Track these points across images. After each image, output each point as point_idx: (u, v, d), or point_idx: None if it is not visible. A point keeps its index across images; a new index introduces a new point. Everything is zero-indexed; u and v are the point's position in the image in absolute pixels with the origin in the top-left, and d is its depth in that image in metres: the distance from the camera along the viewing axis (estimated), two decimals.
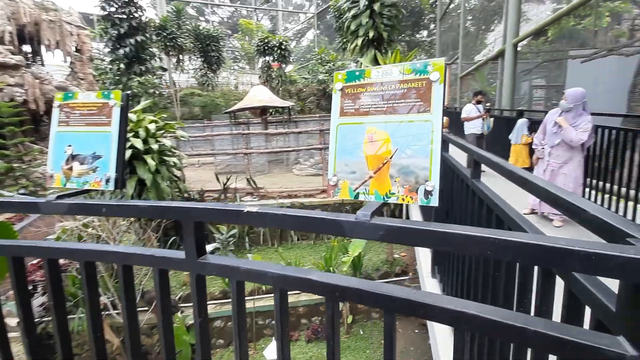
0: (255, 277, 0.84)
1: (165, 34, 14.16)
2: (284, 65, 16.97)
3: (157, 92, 11.66)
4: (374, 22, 5.40)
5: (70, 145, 1.07)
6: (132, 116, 4.55)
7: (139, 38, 11.80)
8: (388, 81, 0.77)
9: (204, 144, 12.97)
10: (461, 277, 1.85)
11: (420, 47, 22.14)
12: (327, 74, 15.96)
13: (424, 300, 0.64)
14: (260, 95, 10.23)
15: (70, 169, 1.05)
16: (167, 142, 4.90)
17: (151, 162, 4.45)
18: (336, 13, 16.61)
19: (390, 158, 0.74)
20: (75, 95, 1.08)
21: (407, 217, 6.83)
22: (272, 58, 16.59)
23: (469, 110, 5.70)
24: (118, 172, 1.01)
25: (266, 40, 16.19)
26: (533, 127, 5.99)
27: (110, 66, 12.38)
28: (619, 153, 3.90)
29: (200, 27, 16.37)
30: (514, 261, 0.63)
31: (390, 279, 5.45)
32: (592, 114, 3.56)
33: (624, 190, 3.73)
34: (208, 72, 16.82)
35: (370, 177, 0.77)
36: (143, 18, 12.20)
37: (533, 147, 3.87)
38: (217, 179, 7.10)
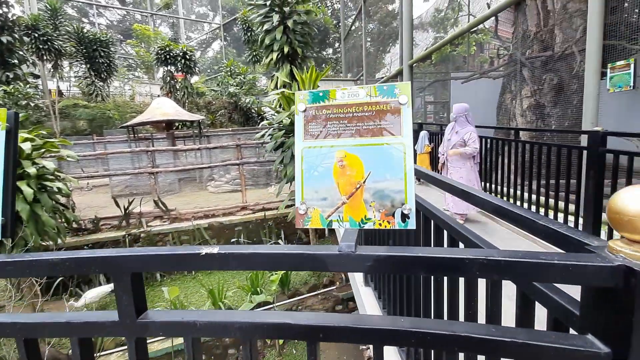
0: (217, 330, 0.70)
1: (37, 35, 11.91)
2: (189, 76, 15.96)
3: (31, 103, 9.56)
4: (288, 38, 5.50)
5: None
6: None
7: (4, 39, 9.54)
8: (355, 103, 0.75)
9: (95, 163, 11.24)
10: (396, 283, 1.93)
11: (327, 63, 23.45)
12: (237, 87, 15.58)
13: (421, 328, 0.62)
14: (164, 108, 9.35)
15: None
16: (49, 164, 4.04)
17: (27, 190, 3.59)
18: (244, 26, 16.47)
19: (364, 182, 0.73)
20: None
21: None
22: (175, 68, 15.45)
23: None
24: (6, 216, 0.77)
25: (167, 49, 15.01)
26: (432, 137, 6.87)
27: None
28: (494, 158, 4.85)
29: (85, 30, 14.27)
30: (497, 278, 0.65)
31: (318, 291, 5.47)
32: (476, 126, 4.28)
33: (499, 188, 4.60)
34: (96, 80, 14.71)
35: (344, 203, 0.74)
36: (9, 15, 9.92)
37: (439, 155, 4.42)
38: (117, 204, 6.18)
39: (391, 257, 0.60)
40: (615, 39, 5.93)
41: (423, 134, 6.29)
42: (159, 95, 20.44)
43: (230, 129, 15.01)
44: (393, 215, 0.71)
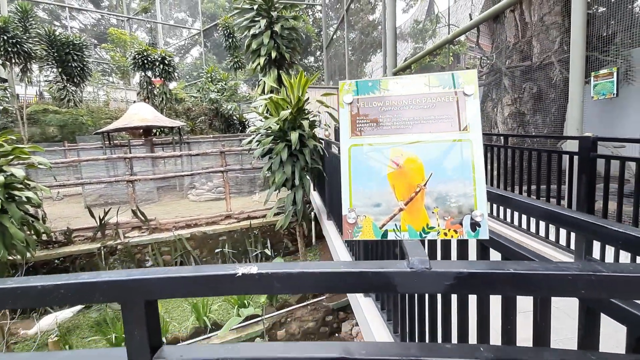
0: None
1: (5, 37, 11.26)
2: (167, 82, 15.53)
3: (8, 106, 8.85)
4: (275, 43, 5.40)
5: None
6: None
7: None
8: (412, 94, 0.65)
9: (66, 172, 10.65)
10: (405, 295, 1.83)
11: (309, 71, 23.57)
12: (219, 93, 15.29)
13: None
14: (142, 114, 8.99)
15: None
16: (18, 171, 3.71)
17: None
18: (226, 32, 16.29)
19: (425, 185, 0.62)
20: None
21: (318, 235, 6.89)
22: (153, 73, 15.01)
23: None
24: None
25: (145, 54, 14.58)
26: None
27: None
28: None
29: (57, 33, 13.65)
30: (605, 297, 0.56)
31: (308, 302, 5.30)
32: None
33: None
34: (68, 85, 14.04)
35: (401, 210, 0.62)
36: None
37: None
38: (91, 214, 5.80)
39: (480, 274, 0.50)
40: (588, 50, 6.20)
41: None
42: (134, 101, 19.80)
43: (212, 135, 14.67)
44: (461, 223, 0.61)
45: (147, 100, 14.69)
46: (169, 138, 12.53)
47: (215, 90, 15.36)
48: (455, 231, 0.61)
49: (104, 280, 0.54)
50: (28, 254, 3.82)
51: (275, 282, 0.54)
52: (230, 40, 16.63)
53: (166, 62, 14.92)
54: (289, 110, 4.56)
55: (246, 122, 16.26)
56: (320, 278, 0.54)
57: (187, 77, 26.90)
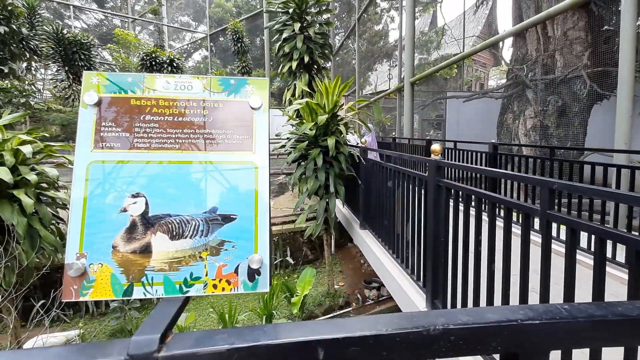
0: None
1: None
2: None
3: (30, 101, 8.54)
4: (309, 47, 5.32)
5: None
6: None
7: (1, 29, 8.58)
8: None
9: (69, 172, 10.50)
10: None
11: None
12: None
13: None
14: None
15: None
16: (51, 170, 3.52)
17: (27, 201, 3.07)
18: (235, 36, 16.26)
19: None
20: None
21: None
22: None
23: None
24: None
25: (153, 55, 14.46)
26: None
27: None
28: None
29: (64, 31, 13.46)
30: None
31: (335, 313, 5.13)
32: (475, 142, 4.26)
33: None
34: (74, 84, 13.81)
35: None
36: (4, 2, 8.94)
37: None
38: None
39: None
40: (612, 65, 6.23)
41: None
42: None
43: None
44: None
45: None
46: None
47: None
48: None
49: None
50: (56, 259, 3.61)
51: None
52: (239, 45, 16.59)
53: (174, 64, 14.82)
54: (326, 116, 4.45)
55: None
56: None
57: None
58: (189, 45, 31.45)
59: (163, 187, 0.41)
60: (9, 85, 8.14)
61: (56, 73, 14.36)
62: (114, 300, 4.73)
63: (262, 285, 0.43)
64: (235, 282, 0.43)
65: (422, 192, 2.74)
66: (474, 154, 5.33)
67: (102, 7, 28.27)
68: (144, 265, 0.40)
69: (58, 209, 3.77)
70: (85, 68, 14.15)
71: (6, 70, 8.81)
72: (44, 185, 3.78)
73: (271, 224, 6.83)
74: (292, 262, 6.19)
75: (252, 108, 0.47)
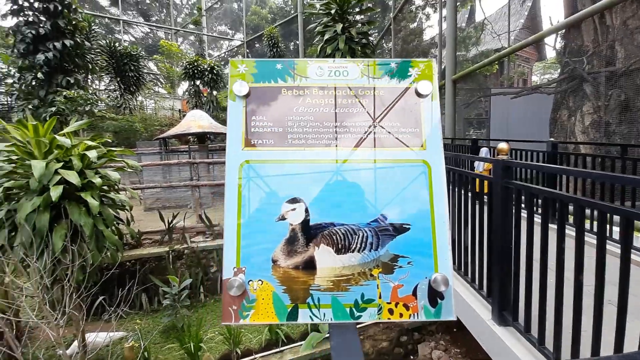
0: None
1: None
2: (215, 92, 16.01)
3: (95, 109, 9.39)
4: (350, 47, 5.28)
5: None
6: (64, 140, 3.36)
7: (67, 42, 9.50)
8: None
9: (127, 176, 11.17)
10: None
11: None
12: None
13: None
14: (200, 121, 9.19)
15: None
16: (113, 174, 3.75)
17: (93, 203, 3.28)
18: (270, 42, 16.62)
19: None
20: None
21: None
22: (202, 82, 15.55)
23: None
24: None
25: (196, 64, 15.15)
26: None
27: (19, 75, 9.62)
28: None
29: (116, 44, 14.48)
30: None
31: (380, 320, 4.98)
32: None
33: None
34: (125, 93, 14.80)
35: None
36: (70, 17, 9.88)
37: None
38: (161, 218, 5.87)
39: None
40: None
41: (485, 151, 5.90)
42: (179, 110, 20.58)
43: None
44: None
45: (195, 107, 15.18)
46: (219, 145, 12.78)
47: None
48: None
49: None
50: (117, 258, 3.83)
51: None
52: (274, 50, 16.93)
53: (214, 71, 15.40)
54: None
55: None
56: None
57: (226, 87, 27.75)
58: (226, 53, 32.67)
59: (323, 191, 0.36)
60: (76, 95, 8.88)
61: (109, 83, 15.48)
62: (166, 297, 4.93)
63: (446, 312, 0.37)
64: (415, 306, 0.37)
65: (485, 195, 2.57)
66: (529, 153, 4.98)
67: (147, 21, 30.16)
68: (309, 284, 0.35)
69: (118, 210, 3.99)
70: (135, 78, 15.13)
71: (72, 81, 9.63)
72: (105, 187, 4.02)
73: None
74: None
75: (419, 95, 0.40)
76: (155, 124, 15.27)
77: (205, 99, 15.63)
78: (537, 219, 1.90)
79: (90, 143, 3.66)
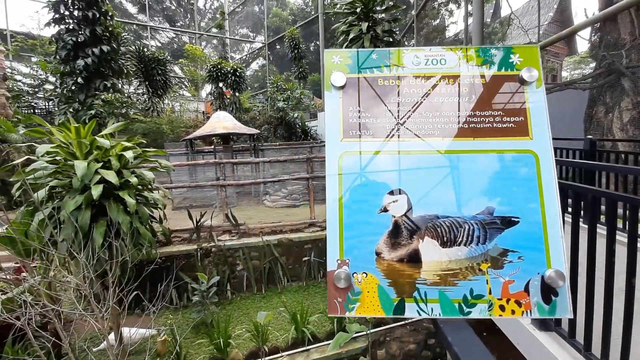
0: None
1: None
2: (237, 94, 16.30)
3: (130, 112, 9.88)
4: (376, 46, 5.25)
5: None
6: (104, 141, 3.52)
7: (105, 48, 10.04)
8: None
9: (156, 175, 11.62)
10: None
11: None
12: (284, 102, 15.66)
13: None
14: (224, 122, 9.38)
15: None
16: (148, 174, 3.89)
17: (130, 201, 3.42)
18: (292, 43, 16.74)
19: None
20: None
21: None
22: (225, 84, 15.86)
23: None
24: None
25: (219, 67, 15.48)
26: None
27: (60, 80, 10.24)
28: None
29: (145, 50, 15.02)
30: None
31: (407, 321, 4.92)
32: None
33: None
34: (153, 97, 15.33)
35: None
36: (107, 24, 10.44)
37: None
38: (190, 216, 6.03)
39: None
40: None
41: None
42: (203, 112, 21.09)
43: (278, 143, 15.01)
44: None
45: (219, 109, 15.52)
46: (238, 145, 13.01)
47: (282, 99, 15.75)
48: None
49: None
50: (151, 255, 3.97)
51: None
52: (295, 51, 17.05)
53: (237, 74, 15.68)
54: None
55: (308, 130, 16.43)
56: None
57: (248, 88, 28.22)
58: (247, 55, 33.21)
59: (425, 183, 0.35)
60: (113, 98, 9.32)
61: (137, 87, 16.09)
62: (195, 294, 5.06)
63: (561, 309, 0.35)
64: (527, 303, 0.35)
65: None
66: (564, 151, 4.77)
67: (173, 26, 31.13)
68: (414, 278, 0.35)
69: (151, 208, 4.13)
70: (162, 82, 15.64)
71: (109, 85, 10.12)
72: (140, 187, 4.18)
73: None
74: None
75: (523, 82, 0.39)
76: (180, 125, 15.70)
77: (228, 100, 15.95)
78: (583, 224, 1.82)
79: (126, 144, 3.82)
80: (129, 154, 3.56)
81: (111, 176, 3.37)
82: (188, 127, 16.03)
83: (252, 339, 4.48)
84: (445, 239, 0.35)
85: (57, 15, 9.74)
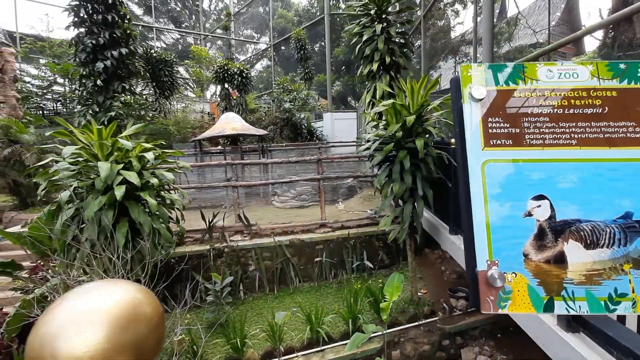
0: None
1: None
2: (244, 95, 16.36)
3: (149, 114, 9.98)
4: (390, 48, 5.26)
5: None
6: (125, 143, 3.56)
7: (123, 50, 10.17)
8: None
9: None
10: None
11: None
12: (291, 103, 15.70)
13: None
14: (233, 123, 9.44)
15: None
16: (168, 174, 3.93)
17: (152, 202, 3.46)
18: (298, 44, 16.79)
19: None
20: None
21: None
22: (231, 85, 15.93)
23: None
24: None
25: (226, 68, 15.55)
26: None
27: (79, 82, 10.36)
28: None
29: (152, 51, 15.12)
30: None
31: (420, 322, 4.93)
32: None
33: None
34: (160, 98, 15.42)
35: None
36: (125, 26, 10.54)
37: None
38: (203, 217, 6.07)
39: None
40: None
41: None
42: (209, 113, 21.17)
43: (284, 143, 15.06)
44: None
45: (226, 110, 15.58)
46: (246, 146, 13.06)
47: (288, 100, 15.80)
48: None
49: None
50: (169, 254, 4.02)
51: None
52: (301, 52, 17.09)
53: (243, 74, 15.75)
54: (413, 117, 4.32)
55: (314, 131, 16.47)
56: None
57: (254, 89, 28.30)
58: (252, 56, 33.31)
59: (565, 189, 0.38)
60: (132, 100, 9.41)
61: (144, 88, 16.18)
62: (208, 294, 5.10)
63: None
64: None
65: None
66: None
67: (178, 27, 31.28)
68: (561, 277, 0.37)
69: (170, 209, 4.17)
70: (169, 83, 15.72)
71: (126, 87, 10.24)
72: (167, 187, 4.22)
73: (347, 227, 6.83)
74: (371, 266, 6.13)
75: None
76: (187, 126, 15.80)
77: (234, 101, 16.01)
78: None
79: (146, 145, 3.86)
80: (149, 155, 3.61)
81: (133, 177, 3.41)
82: (194, 128, 16.12)
83: (267, 339, 4.51)
84: (588, 241, 0.37)
85: (76, 19, 9.86)
